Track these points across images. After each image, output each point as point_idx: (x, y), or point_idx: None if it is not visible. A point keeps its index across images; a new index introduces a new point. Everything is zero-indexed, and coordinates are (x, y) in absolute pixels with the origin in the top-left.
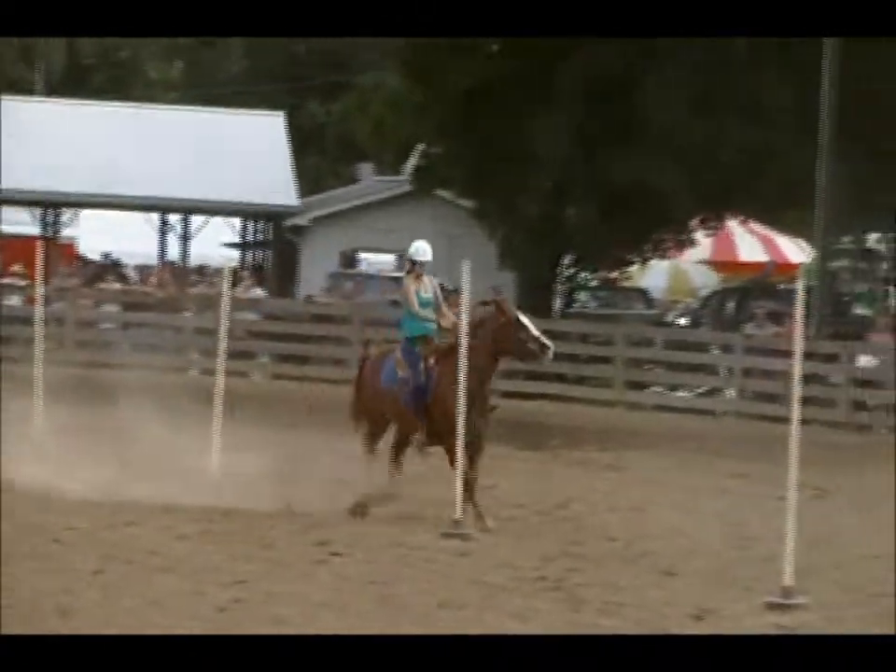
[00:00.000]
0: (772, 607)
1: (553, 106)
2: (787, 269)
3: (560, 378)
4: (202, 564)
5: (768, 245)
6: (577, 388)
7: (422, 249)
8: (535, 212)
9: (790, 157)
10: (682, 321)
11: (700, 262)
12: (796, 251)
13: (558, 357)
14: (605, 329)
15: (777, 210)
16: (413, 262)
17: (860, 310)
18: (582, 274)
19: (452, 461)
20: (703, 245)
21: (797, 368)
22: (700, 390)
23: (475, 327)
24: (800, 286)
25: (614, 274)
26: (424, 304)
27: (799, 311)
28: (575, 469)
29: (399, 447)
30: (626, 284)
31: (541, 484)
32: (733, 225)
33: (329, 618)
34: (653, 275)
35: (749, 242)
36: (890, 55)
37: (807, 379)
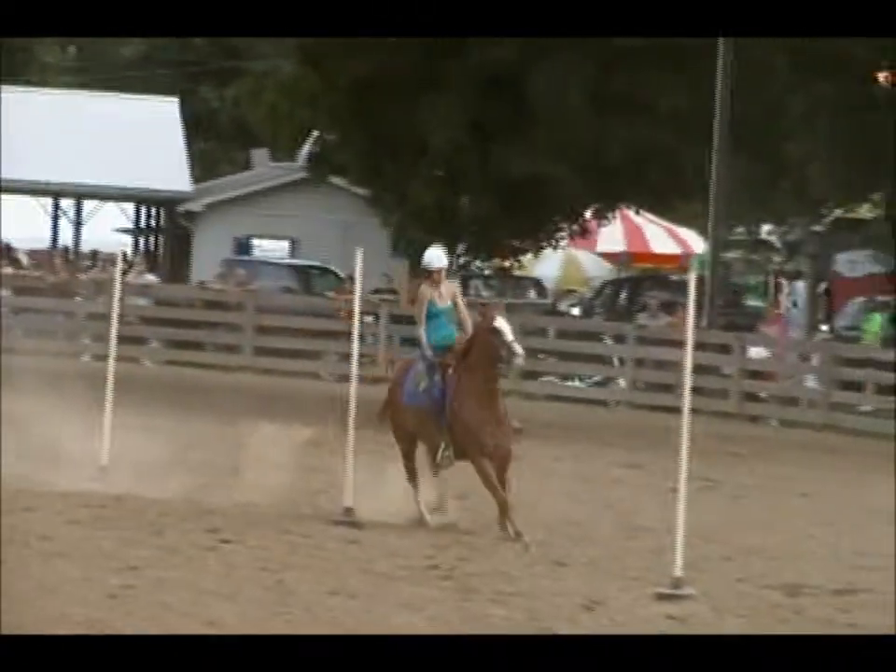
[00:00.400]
0: (661, 597)
1: (447, 96)
2: (679, 260)
3: None
4: (93, 549)
5: (674, 236)
6: None
7: (437, 257)
8: (428, 200)
9: (683, 150)
10: (575, 311)
11: (613, 254)
12: (699, 242)
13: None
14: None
15: (671, 202)
16: (430, 272)
17: (752, 301)
18: (476, 263)
19: (481, 476)
20: (614, 236)
21: (688, 358)
22: (593, 380)
23: (473, 336)
24: (692, 276)
25: (507, 263)
26: (437, 314)
27: (690, 301)
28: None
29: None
30: (519, 273)
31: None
32: (639, 217)
33: (218, 605)
34: (546, 265)
35: (658, 233)
36: (782, 55)
37: (699, 370)
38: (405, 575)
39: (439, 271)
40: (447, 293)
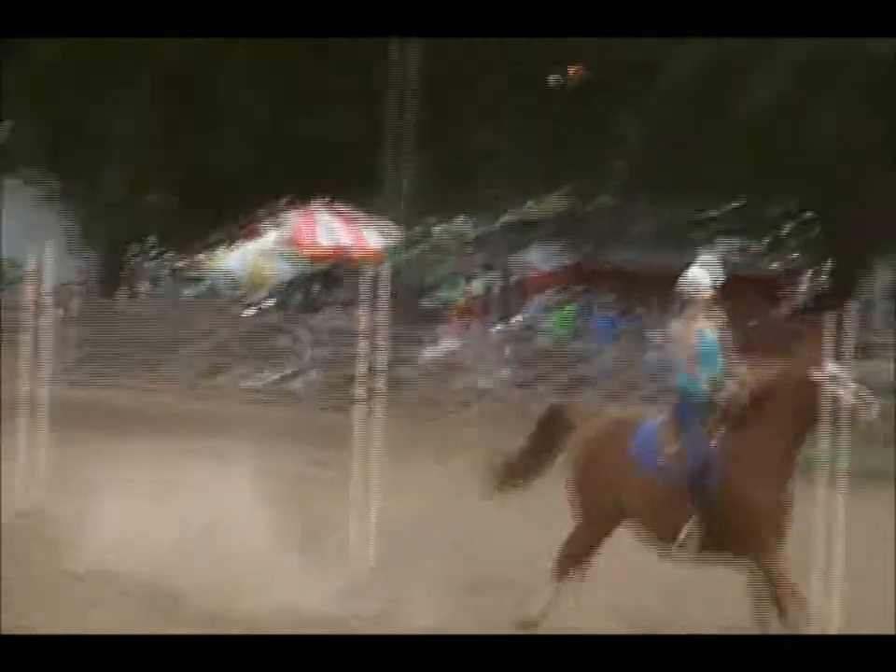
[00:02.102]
0: None
1: (130, 90)
2: (369, 254)
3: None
4: None
5: (351, 229)
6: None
7: (708, 272)
8: (114, 195)
9: (369, 145)
10: (262, 306)
11: (281, 246)
12: (377, 236)
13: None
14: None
15: (357, 196)
16: (695, 293)
17: (444, 293)
18: (161, 257)
19: (769, 579)
20: (301, 230)
21: (376, 354)
22: (280, 375)
23: (774, 382)
24: (378, 271)
25: (195, 257)
26: (711, 352)
27: (379, 296)
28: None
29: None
30: (208, 266)
31: None
32: (317, 209)
33: None
34: (234, 259)
35: (332, 226)
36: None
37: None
38: None
39: (714, 291)
40: (717, 324)
